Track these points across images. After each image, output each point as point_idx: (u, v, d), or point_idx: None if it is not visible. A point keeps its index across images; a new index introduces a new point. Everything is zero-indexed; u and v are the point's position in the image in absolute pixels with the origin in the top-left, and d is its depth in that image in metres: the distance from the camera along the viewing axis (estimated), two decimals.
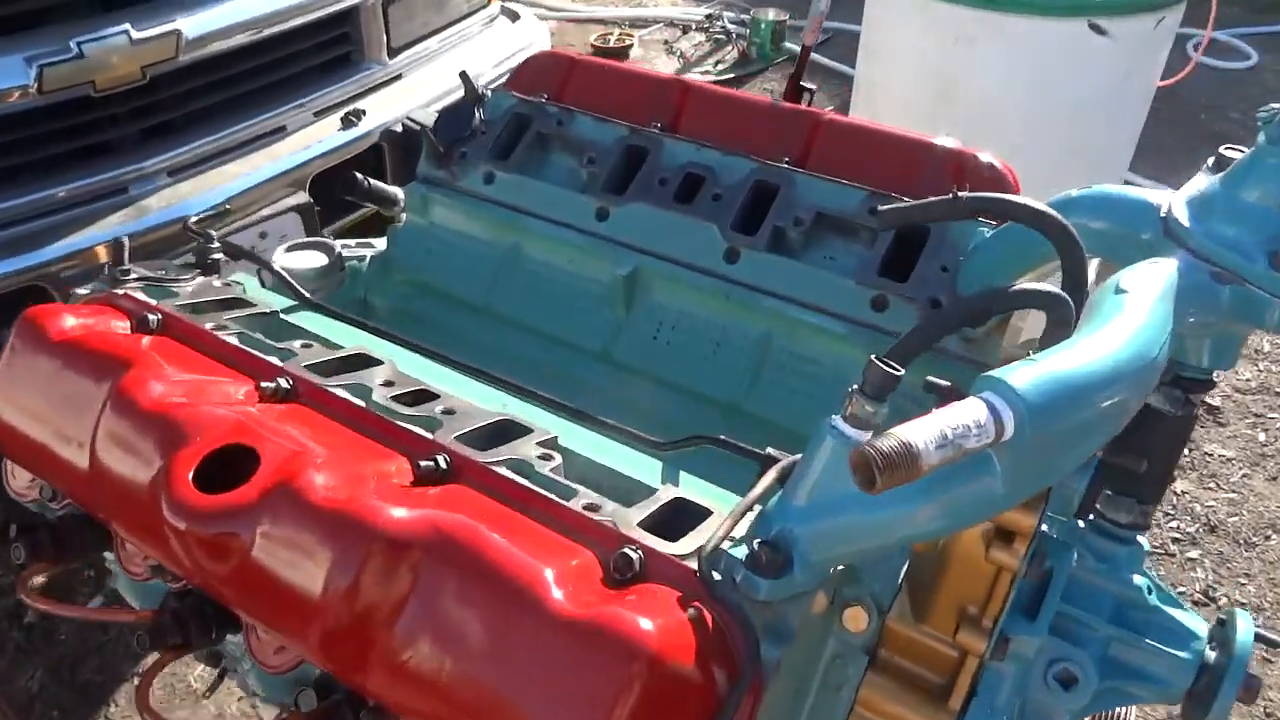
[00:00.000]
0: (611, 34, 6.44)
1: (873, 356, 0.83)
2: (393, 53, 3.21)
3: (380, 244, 1.73)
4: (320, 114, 3.01)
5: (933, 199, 1.00)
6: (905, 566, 1.00)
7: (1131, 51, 2.85)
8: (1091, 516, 1.10)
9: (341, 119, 2.99)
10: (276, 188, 2.82)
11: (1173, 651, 1.04)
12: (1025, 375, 0.75)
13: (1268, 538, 3.05)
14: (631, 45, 6.29)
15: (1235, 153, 0.97)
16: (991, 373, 0.76)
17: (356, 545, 0.83)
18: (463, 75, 1.67)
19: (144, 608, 1.23)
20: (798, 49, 6.05)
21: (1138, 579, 1.07)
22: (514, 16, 3.68)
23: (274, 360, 1.12)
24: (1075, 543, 1.04)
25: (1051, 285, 0.88)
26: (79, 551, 1.18)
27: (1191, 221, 0.92)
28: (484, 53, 3.43)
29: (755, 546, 0.85)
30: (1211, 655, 1.04)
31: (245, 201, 2.74)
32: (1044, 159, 3.25)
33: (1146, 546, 1.08)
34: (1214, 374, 1.01)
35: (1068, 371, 0.76)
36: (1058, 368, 0.76)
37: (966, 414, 0.73)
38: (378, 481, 0.93)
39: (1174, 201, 0.97)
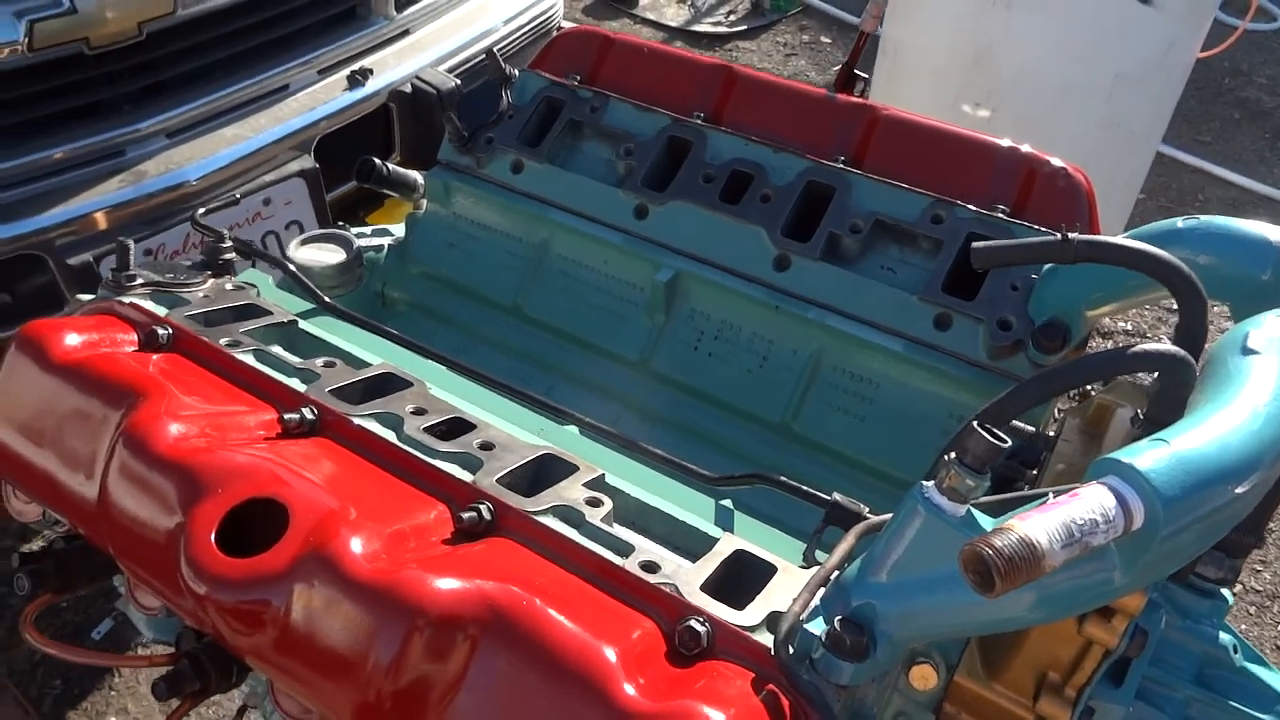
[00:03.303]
0: None
1: (974, 422, 0.75)
2: (400, 6, 3.05)
3: (398, 231, 1.63)
4: (324, 72, 2.87)
5: (1037, 239, 0.90)
6: None
7: (1176, 20, 2.72)
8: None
9: (348, 78, 2.85)
10: (280, 150, 2.70)
11: (1259, 715, 0.98)
12: (1154, 459, 0.67)
13: None
14: None
15: None
16: (1115, 455, 0.68)
17: (400, 622, 0.75)
18: (490, 53, 1.55)
19: (155, 637, 1.16)
20: (812, 0, 5.86)
21: (1224, 637, 1.01)
22: None
23: (295, 384, 1.03)
24: (1162, 601, 0.98)
25: (1168, 344, 0.80)
26: (86, 579, 1.10)
27: None
28: (495, 7, 3.28)
29: (836, 626, 0.78)
30: None
31: (248, 165, 2.62)
32: (1076, 131, 3.13)
33: (1232, 601, 1.02)
34: None
35: (1202, 455, 0.68)
36: (1190, 450, 0.68)
37: (1093, 505, 0.65)
38: (417, 539, 0.85)
39: None
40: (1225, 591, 1.02)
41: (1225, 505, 0.69)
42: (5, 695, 2.31)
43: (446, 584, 0.77)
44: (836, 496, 0.97)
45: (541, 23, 3.37)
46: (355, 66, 2.87)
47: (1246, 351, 0.77)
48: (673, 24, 5.52)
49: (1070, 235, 0.86)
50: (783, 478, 1.01)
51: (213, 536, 0.80)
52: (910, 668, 0.93)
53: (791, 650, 0.79)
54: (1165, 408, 0.78)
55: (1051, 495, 0.68)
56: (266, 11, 2.69)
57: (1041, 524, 0.64)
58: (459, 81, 3.11)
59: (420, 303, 1.55)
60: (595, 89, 1.49)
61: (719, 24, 5.63)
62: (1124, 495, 0.66)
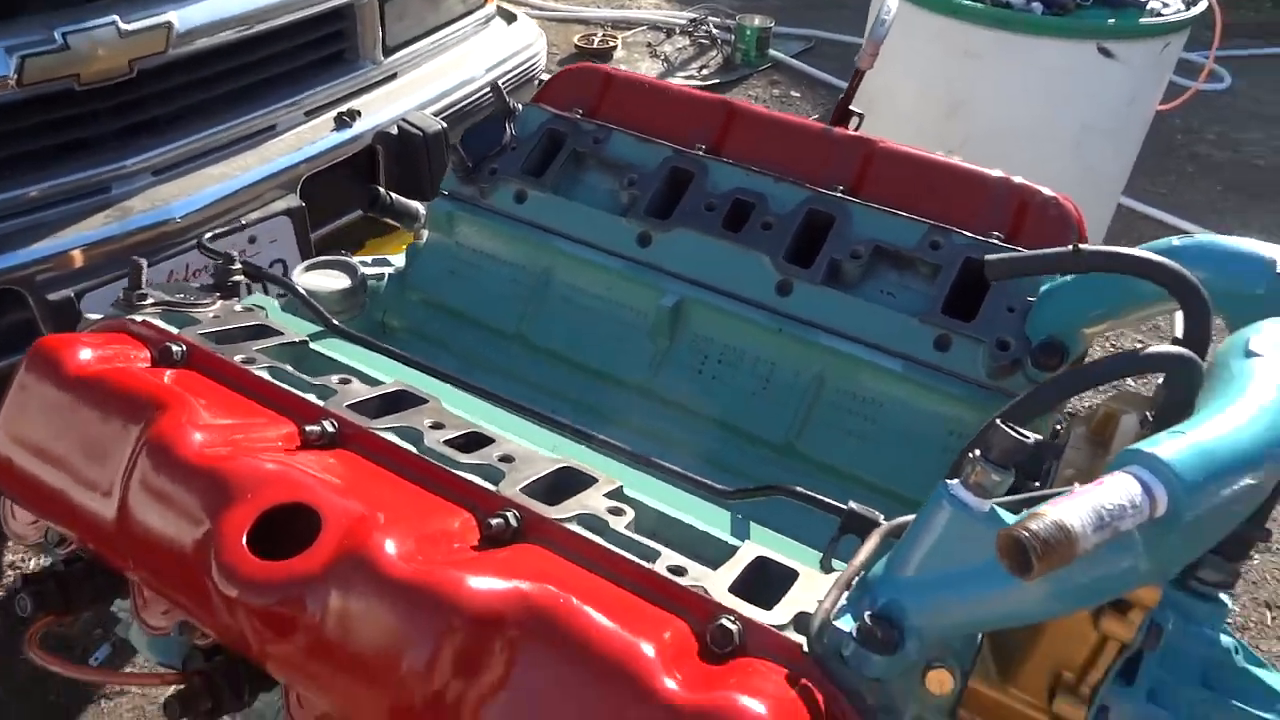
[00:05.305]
0: (595, 35, 6.37)
1: (997, 420, 0.77)
2: (388, 51, 3.11)
3: (397, 261, 1.64)
4: (312, 113, 2.90)
5: (1049, 251, 0.95)
6: None
7: (1137, 75, 2.85)
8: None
9: (335, 119, 2.89)
10: (266, 189, 2.71)
11: (1262, 714, 1.00)
12: (1175, 448, 0.70)
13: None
14: (615, 47, 6.22)
15: None
16: (1137, 446, 0.71)
17: (438, 622, 0.76)
18: (494, 86, 1.59)
19: (161, 661, 1.14)
20: (782, 56, 6.04)
21: (1225, 639, 1.03)
22: (510, 18, 3.60)
23: (313, 399, 1.04)
24: (1168, 605, 1.00)
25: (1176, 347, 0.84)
26: (88, 601, 1.08)
27: None
28: (479, 54, 3.35)
29: (867, 620, 0.79)
30: None
31: (233, 204, 2.63)
32: (1048, 180, 3.23)
33: (1231, 605, 1.05)
34: None
35: (1218, 444, 0.71)
36: (1207, 440, 0.71)
37: (1119, 492, 0.68)
38: (446, 545, 0.85)
39: None
40: (1224, 596, 1.05)
41: (1242, 493, 0.72)
42: None
43: (483, 583, 0.78)
44: (852, 505, 0.98)
45: (525, 70, 3.45)
46: (343, 108, 2.91)
47: (1249, 354, 0.81)
48: None
49: (1080, 247, 0.90)
50: (799, 488, 1.02)
51: (244, 540, 0.80)
52: (927, 673, 0.94)
53: (822, 647, 0.80)
54: (1174, 408, 0.82)
55: (1077, 487, 0.70)
56: (256, 53, 2.73)
57: (1073, 509, 0.66)
58: (445, 125, 3.15)
59: (421, 330, 1.56)
60: (597, 122, 1.53)
61: (691, 78, 5.77)
62: (1148, 482, 0.69)
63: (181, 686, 0.95)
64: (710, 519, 1.01)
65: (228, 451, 0.89)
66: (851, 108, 1.64)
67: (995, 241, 1.28)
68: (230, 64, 2.66)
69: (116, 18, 2.31)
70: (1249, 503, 0.75)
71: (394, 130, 2.97)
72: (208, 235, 1.38)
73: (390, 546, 0.79)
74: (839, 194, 1.37)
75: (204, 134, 2.65)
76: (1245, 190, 4.82)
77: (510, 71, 3.37)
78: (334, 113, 2.90)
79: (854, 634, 0.79)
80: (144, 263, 1.18)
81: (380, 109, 3.00)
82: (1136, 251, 0.91)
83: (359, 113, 2.93)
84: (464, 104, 3.21)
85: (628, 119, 1.54)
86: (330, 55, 2.99)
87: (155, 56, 2.43)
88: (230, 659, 0.97)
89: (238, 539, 0.80)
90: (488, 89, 3.26)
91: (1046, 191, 1.32)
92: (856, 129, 1.62)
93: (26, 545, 1.12)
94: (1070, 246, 0.91)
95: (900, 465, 1.25)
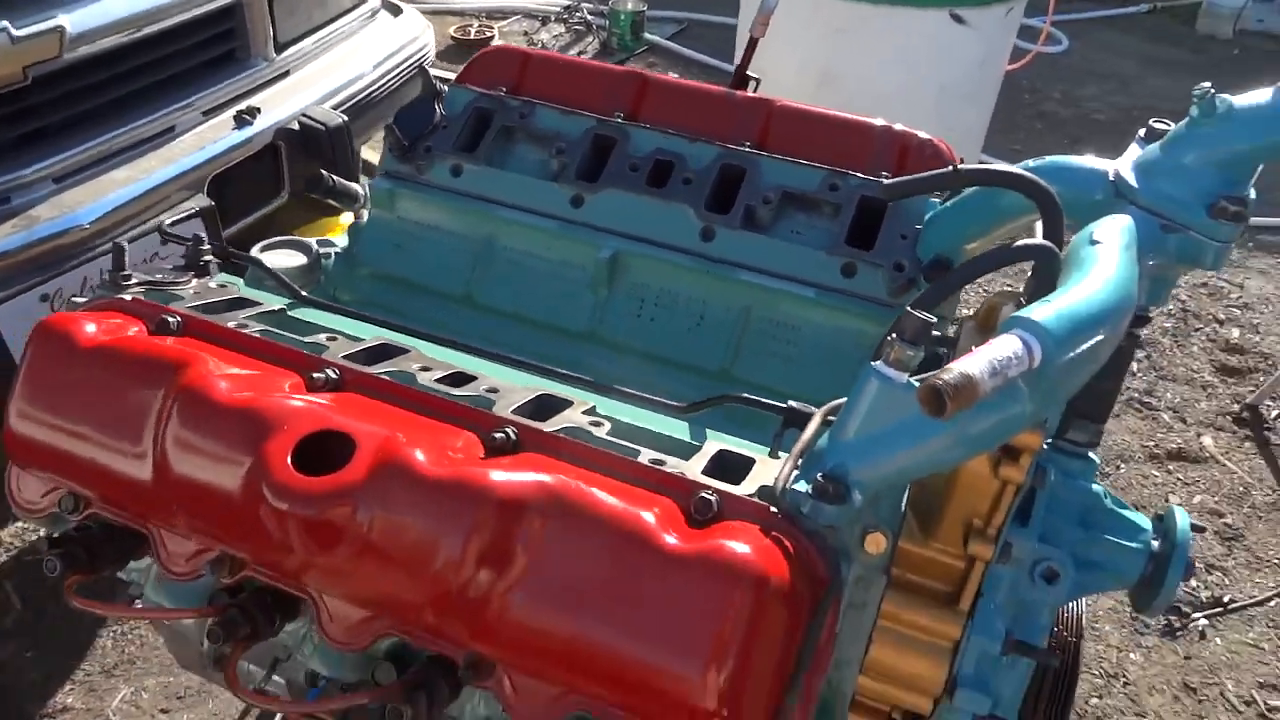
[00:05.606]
0: (471, 26, 6.42)
1: (908, 308, 0.96)
2: (279, 48, 3.14)
3: (340, 242, 1.74)
4: (210, 113, 2.92)
5: (934, 172, 1.15)
6: (906, 496, 1.15)
7: (986, 39, 3.16)
8: (1052, 440, 1.28)
9: (235, 117, 2.92)
10: (172, 191, 2.73)
11: (1128, 544, 1.23)
12: (1045, 313, 0.90)
13: (1117, 468, 3.45)
14: (492, 37, 6.29)
15: (1162, 125, 1.16)
16: (1018, 313, 0.91)
17: (471, 511, 0.90)
18: (422, 71, 1.71)
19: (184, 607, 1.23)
20: (657, 39, 6.23)
21: (1095, 487, 1.26)
22: (395, 10, 3.65)
23: (310, 353, 1.15)
24: (1048, 461, 1.22)
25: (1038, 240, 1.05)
26: (111, 560, 1.17)
27: (1139, 182, 1.11)
28: (370, 47, 3.40)
29: (819, 479, 0.97)
30: (1156, 545, 1.24)
31: (142, 206, 2.64)
32: None
33: (1098, 461, 1.28)
34: (1149, 310, 1.21)
35: (1078, 308, 0.92)
36: (1067, 305, 0.92)
37: (1005, 348, 0.88)
38: (458, 456, 0.99)
39: (1119, 167, 1.15)
40: (1091, 454, 1.28)
41: (1095, 345, 0.93)
42: None
43: (504, 476, 0.92)
44: (792, 403, 1.17)
45: (415, 62, 3.52)
46: (243, 106, 2.93)
47: (1094, 243, 1.02)
48: None
49: (959, 166, 1.10)
50: (744, 395, 1.20)
51: (289, 460, 0.92)
52: (865, 537, 1.14)
53: (786, 506, 0.98)
54: (1040, 290, 1.02)
55: (974, 349, 0.90)
56: (149, 54, 2.73)
57: (973, 362, 0.85)
58: (345, 118, 3.21)
59: (373, 301, 1.67)
60: (522, 98, 1.67)
61: None
62: (1026, 339, 0.88)
63: (216, 620, 1.06)
64: (673, 429, 1.18)
65: (253, 395, 1.00)
66: (749, 73, 1.83)
67: (884, 181, 1.48)
68: (123, 67, 2.67)
69: (7, 23, 2.30)
70: (1101, 353, 0.96)
71: (295, 126, 3.02)
72: (169, 222, 1.45)
73: (420, 454, 0.93)
74: (747, 149, 1.56)
75: (102, 139, 2.66)
76: (1089, 141, 5.30)
77: (402, 63, 3.44)
78: (233, 111, 2.93)
79: (810, 492, 0.97)
80: (126, 244, 1.26)
81: (278, 105, 3.04)
82: (1003, 166, 1.12)
83: (258, 110, 2.96)
84: (360, 97, 3.27)
85: (548, 94, 1.68)
86: (222, 54, 3.01)
87: (50, 62, 2.42)
88: (257, 592, 1.08)
89: (283, 461, 0.92)
90: (383, 80, 3.34)
91: (923, 135, 1.53)
92: (754, 92, 1.81)
93: (33, 517, 1.19)
94: (950, 168, 1.11)
95: (821, 378, 1.44)
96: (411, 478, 0.91)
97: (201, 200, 2.70)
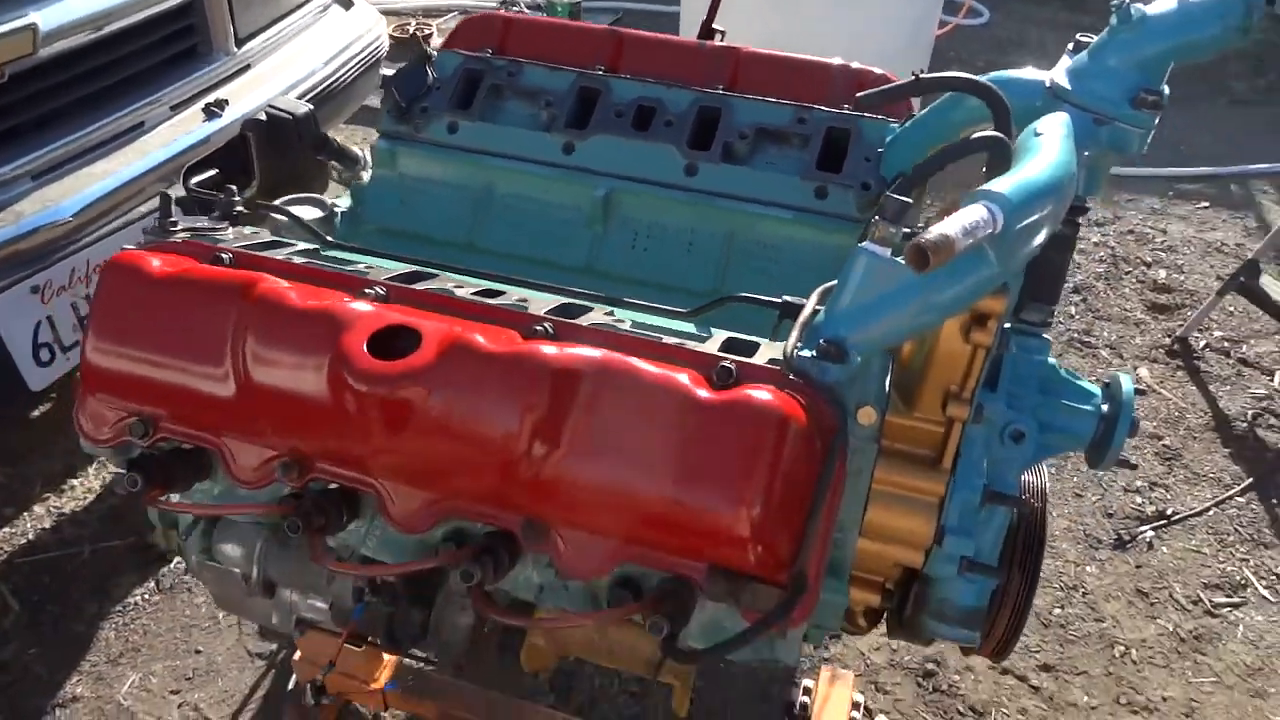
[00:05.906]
0: (409, 24, 6.48)
1: (887, 192, 1.13)
2: (240, 42, 3.21)
3: (344, 203, 1.85)
4: (177, 108, 2.99)
5: (900, 82, 1.32)
6: (889, 374, 1.31)
7: (918, 5, 3.37)
8: (1011, 322, 1.46)
9: (204, 110, 2.99)
10: (149, 183, 2.79)
11: (1082, 407, 1.42)
12: (1005, 184, 1.07)
13: None
14: (431, 35, 6.36)
15: (1087, 38, 1.35)
16: (982, 187, 1.08)
17: (531, 380, 1.03)
18: (413, 38, 1.82)
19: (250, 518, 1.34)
20: (592, 4, 6.33)
21: (1050, 360, 1.44)
22: (347, 4, 3.74)
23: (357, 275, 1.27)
24: (1011, 341, 1.40)
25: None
26: (184, 478, 1.28)
27: (1072, 85, 1.29)
28: (326, 39, 3.49)
29: (821, 343, 1.13)
30: (1105, 408, 1.43)
31: (122, 198, 2.71)
32: None
33: (1050, 340, 1.46)
34: (1086, 201, 1.39)
35: (1030, 182, 1.09)
36: (1020, 179, 1.09)
37: (972, 214, 1.04)
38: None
39: (1054, 75, 1.34)
40: (1045, 334, 1.46)
41: (1046, 214, 1.10)
42: None
43: (556, 351, 1.06)
44: (786, 297, 1.33)
45: (371, 52, 3.62)
46: (211, 98, 3.01)
47: (1037, 134, 1.20)
48: None
49: (919, 75, 1.27)
50: (744, 294, 1.36)
51: (365, 348, 1.05)
52: (857, 410, 1.30)
53: (795, 368, 1.13)
54: (994, 173, 1.19)
55: (946, 216, 1.06)
56: (115, 52, 2.79)
57: (948, 224, 1.02)
58: (311, 107, 3.30)
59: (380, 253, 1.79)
60: (508, 58, 1.80)
61: None
62: (990, 206, 1.05)
63: (294, 512, 1.18)
64: (686, 327, 1.33)
65: (322, 302, 1.12)
66: (715, 26, 1.99)
67: (846, 113, 1.65)
68: (93, 64, 2.72)
69: None
70: (1051, 221, 1.13)
71: (262, 116, 3.09)
72: (194, 181, 1.55)
73: (480, 339, 1.06)
74: (721, 91, 1.71)
75: (76, 135, 2.72)
76: None
77: (358, 55, 3.54)
78: (201, 104, 3.00)
79: (814, 356, 1.13)
80: (172, 193, 1.36)
81: (244, 98, 3.12)
82: (955, 74, 1.29)
83: (226, 102, 3.04)
84: (320, 88, 3.36)
85: (531, 54, 1.82)
86: (186, 50, 3.08)
87: (26, 59, 2.48)
88: (324, 491, 1.21)
89: (361, 349, 1.05)
90: (342, 71, 3.43)
91: (877, 71, 1.71)
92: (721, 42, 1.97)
93: (102, 447, 1.29)
94: (913, 77, 1.28)
95: (803, 289, 1.60)
96: (476, 356, 1.04)
97: (178, 190, 2.77)
